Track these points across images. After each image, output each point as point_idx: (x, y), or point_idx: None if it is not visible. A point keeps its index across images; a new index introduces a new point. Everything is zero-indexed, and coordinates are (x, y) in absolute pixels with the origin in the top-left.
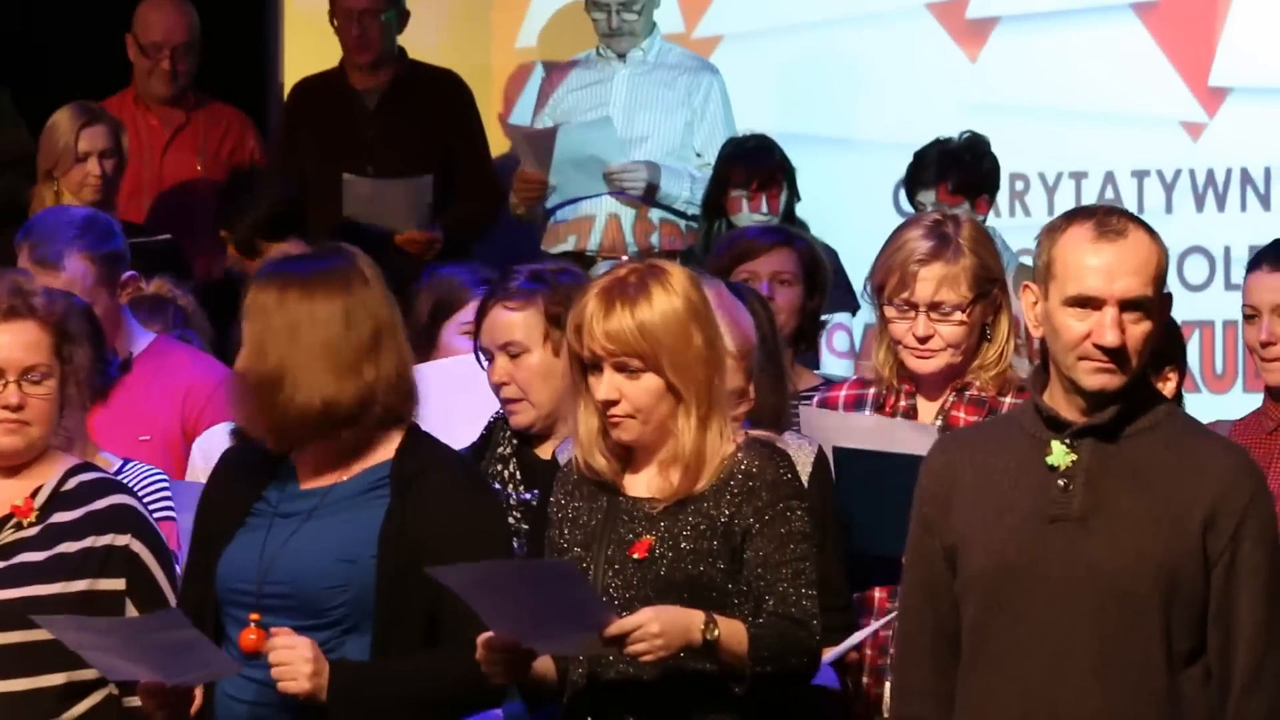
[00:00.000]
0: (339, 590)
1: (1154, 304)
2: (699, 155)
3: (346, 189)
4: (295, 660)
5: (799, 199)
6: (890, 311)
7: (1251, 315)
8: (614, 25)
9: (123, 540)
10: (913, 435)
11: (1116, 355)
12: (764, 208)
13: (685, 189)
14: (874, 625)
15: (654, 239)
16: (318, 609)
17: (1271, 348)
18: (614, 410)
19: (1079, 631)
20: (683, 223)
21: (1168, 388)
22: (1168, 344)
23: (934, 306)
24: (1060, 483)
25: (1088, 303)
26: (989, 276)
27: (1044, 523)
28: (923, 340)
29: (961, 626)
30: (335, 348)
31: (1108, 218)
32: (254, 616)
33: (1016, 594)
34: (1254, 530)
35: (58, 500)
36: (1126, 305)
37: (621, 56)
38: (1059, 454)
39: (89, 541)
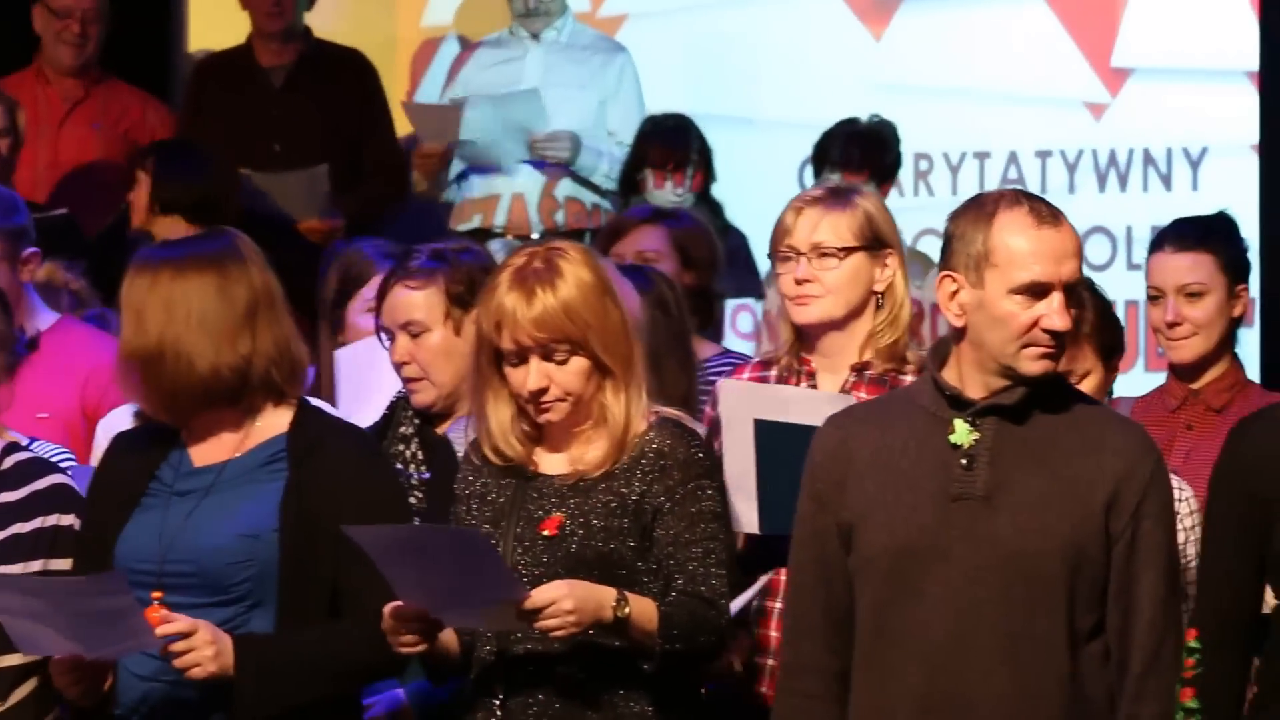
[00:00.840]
0: (243, 566)
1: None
2: (611, 134)
3: (244, 184)
4: (196, 646)
5: (715, 179)
6: (778, 266)
7: (1156, 296)
8: (531, 5)
9: (68, 520)
10: (836, 408)
11: (1061, 338)
12: (679, 186)
13: (604, 164)
14: (763, 579)
15: (559, 217)
16: (222, 586)
17: (1177, 328)
18: (545, 397)
19: (985, 610)
20: (589, 202)
21: (1113, 377)
22: (1116, 334)
23: (814, 248)
24: (963, 461)
25: (1037, 289)
26: (877, 235)
27: (947, 501)
28: (801, 283)
29: (856, 605)
30: (209, 320)
31: (1037, 204)
32: (157, 595)
33: (920, 572)
34: (1154, 508)
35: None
36: (1068, 289)
37: (535, 36)
38: (962, 432)
39: (39, 522)
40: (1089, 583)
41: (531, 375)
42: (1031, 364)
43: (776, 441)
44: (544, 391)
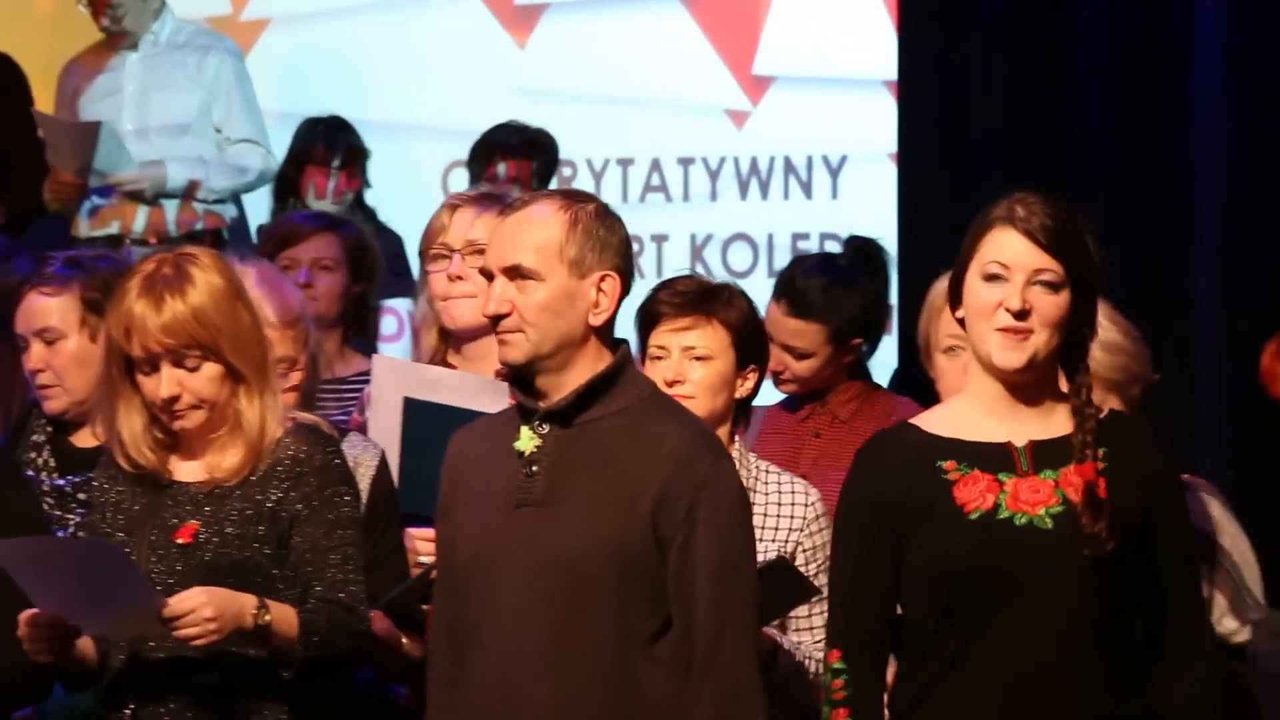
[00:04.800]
0: None
1: (536, 273)
2: (219, 131)
3: None
4: None
5: (369, 185)
6: (430, 265)
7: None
8: (105, 25)
9: None
10: (487, 393)
11: (500, 324)
12: (337, 188)
13: (200, 174)
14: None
15: (199, 227)
16: None
17: (780, 374)
18: (178, 405)
19: (535, 616)
20: (229, 215)
21: (745, 386)
22: (754, 343)
23: (468, 245)
24: (526, 469)
25: (486, 273)
26: None
27: (511, 509)
28: (454, 280)
29: None
30: None
31: (528, 197)
32: None
33: (486, 581)
34: (706, 511)
35: None
36: (509, 273)
37: (133, 44)
38: (526, 439)
39: None
40: (643, 586)
41: (163, 383)
42: (500, 351)
43: (423, 420)
44: (176, 399)
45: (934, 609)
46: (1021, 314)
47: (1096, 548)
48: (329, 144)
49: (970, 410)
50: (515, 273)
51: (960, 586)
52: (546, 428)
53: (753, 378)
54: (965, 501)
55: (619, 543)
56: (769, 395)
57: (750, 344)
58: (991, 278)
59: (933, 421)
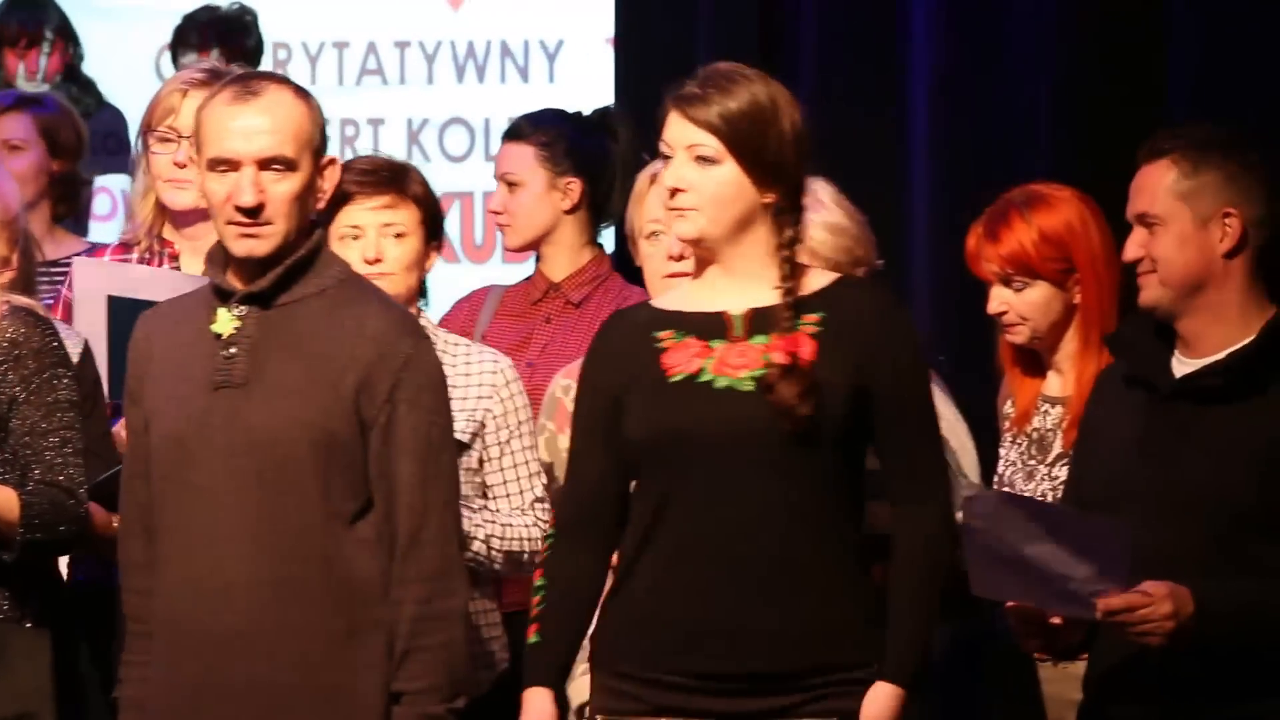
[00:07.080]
0: None
1: (298, 163)
2: None
3: None
4: None
5: (82, 58)
6: (156, 146)
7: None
8: None
9: None
10: (188, 289)
11: (255, 215)
12: (34, 66)
13: None
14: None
15: None
16: None
17: (499, 216)
18: None
19: (240, 497)
20: None
21: (429, 264)
22: (438, 219)
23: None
24: (225, 351)
25: (225, 164)
26: None
27: (211, 390)
28: (181, 166)
29: None
30: None
31: (248, 82)
32: None
33: (185, 462)
34: (409, 393)
35: None
36: (265, 164)
37: None
38: (224, 321)
39: None
40: (345, 468)
41: None
42: (235, 244)
43: (128, 317)
44: None
45: (641, 479)
46: (674, 192)
47: (792, 417)
48: (21, 22)
49: (698, 286)
50: (274, 163)
51: (656, 452)
52: (244, 310)
53: (434, 256)
54: (670, 366)
55: (320, 423)
56: (512, 274)
57: (434, 220)
58: (664, 157)
59: (666, 298)
